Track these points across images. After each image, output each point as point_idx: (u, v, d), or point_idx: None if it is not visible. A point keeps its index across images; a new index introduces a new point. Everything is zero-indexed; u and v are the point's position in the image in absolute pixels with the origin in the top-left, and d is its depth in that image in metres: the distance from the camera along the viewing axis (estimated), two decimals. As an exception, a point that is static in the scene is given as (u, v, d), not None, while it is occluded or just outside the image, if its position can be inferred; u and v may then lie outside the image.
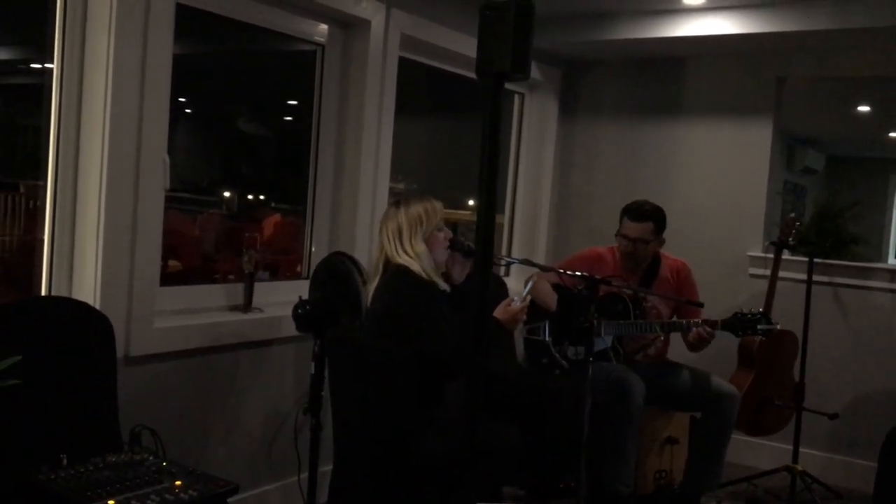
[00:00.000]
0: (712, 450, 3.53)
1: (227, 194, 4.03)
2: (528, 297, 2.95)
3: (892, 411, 4.07)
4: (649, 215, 3.59)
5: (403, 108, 3.93)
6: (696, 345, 3.52)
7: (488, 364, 1.64)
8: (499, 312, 2.85)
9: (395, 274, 2.85)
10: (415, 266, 2.87)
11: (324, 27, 3.62)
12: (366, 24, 3.61)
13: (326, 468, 3.10)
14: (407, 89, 3.98)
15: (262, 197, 4.21)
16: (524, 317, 2.93)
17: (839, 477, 4.23)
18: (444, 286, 2.95)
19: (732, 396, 3.51)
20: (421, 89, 4.81)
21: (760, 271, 4.42)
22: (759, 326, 3.35)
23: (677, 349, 3.71)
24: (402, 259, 2.87)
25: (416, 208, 2.94)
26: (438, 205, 2.99)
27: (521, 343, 3.84)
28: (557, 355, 3.50)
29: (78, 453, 2.31)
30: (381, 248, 2.95)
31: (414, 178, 4.88)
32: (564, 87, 5.07)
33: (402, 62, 3.85)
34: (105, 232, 2.67)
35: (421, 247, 2.91)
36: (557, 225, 5.16)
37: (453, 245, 3.01)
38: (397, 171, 4.12)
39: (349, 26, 3.67)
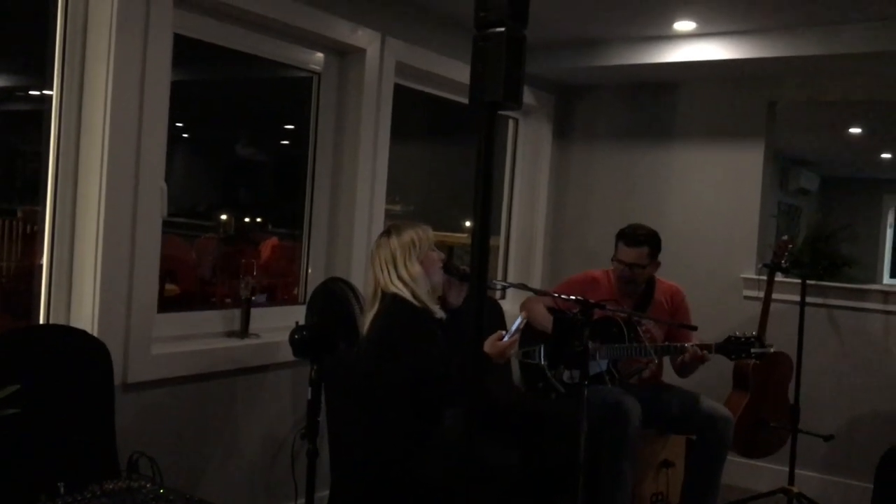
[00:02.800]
0: (708, 472, 3.53)
1: (224, 218, 4.05)
2: (518, 335, 2.93)
3: (887, 432, 4.08)
4: (644, 240, 3.61)
5: (400, 132, 3.97)
6: (685, 369, 3.53)
7: (485, 388, 1.65)
8: (487, 346, 2.80)
9: (390, 303, 2.84)
10: (406, 293, 2.85)
11: (320, 55, 3.67)
12: (361, 52, 3.66)
13: (323, 494, 3.10)
14: (403, 114, 4.02)
15: (259, 220, 4.23)
16: (513, 351, 2.93)
17: (835, 499, 4.24)
18: (439, 313, 2.93)
19: (726, 419, 3.52)
20: (417, 114, 4.85)
21: (754, 293, 4.44)
22: (752, 350, 3.36)
23: (672, 372, 3.72)
24: (396, 287, 2.86)
25: (408, 233, 2.94)
26: (429, 228, 3.02)
27: (516, 366, 3.85)
28: (553, 379, 3.51)
29: (76, 481, 2.32)
30: (374, 279, 2.93)
31: (410, 201, 4.91)
32: (558, 111, 5.12)
33: (398, 88, 3.89)
34: (103, 259, 2.69)
35: (416, 268, 2.90)
36: (552, 248, 5.19)
37: (448, 269, 3.02)
38: (394, 193, 4.15)
39: (345, 54, 3.71)
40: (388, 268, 2.90)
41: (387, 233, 3.00)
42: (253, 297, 3.37)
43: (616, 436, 3.38)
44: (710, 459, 3.53)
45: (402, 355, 2.75)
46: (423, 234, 2.96)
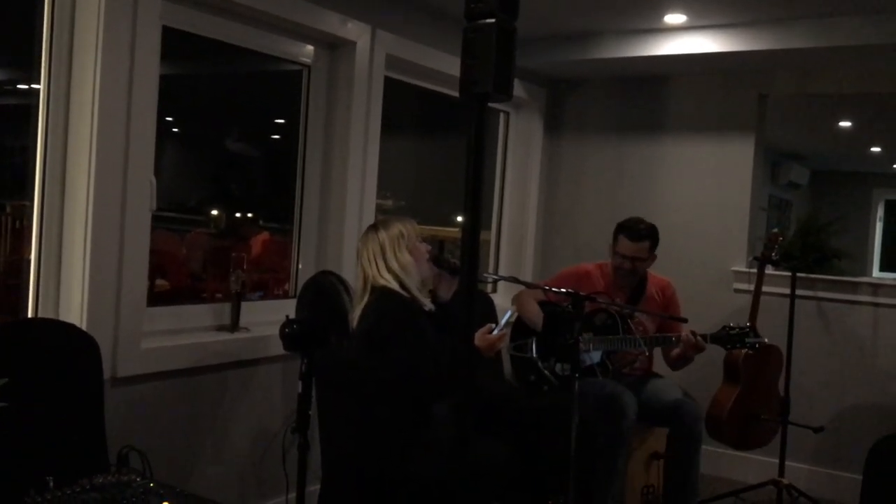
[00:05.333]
0: (683, 463, 3.51)
1: (214, 213, 4.04)
2: (507, 329, 2.93)
3: (876, 424, 4.10)
4: (646, 234, 3.63)
5: (390, 125, 3.96)
6: (680, 362, 3.54)
7: (476, 382, 1.65)
8: (477, 339, 2.81)
9: (379, 296, 2.85)
10: (395, 285, 2.86)
11: (310, 48, 3.65)
12: (351, 45, 3.64)
13: (314, 488, 3.10)
14: (394, 107, 4.01)
15: (249, 215, 4.22)
16: (502, 345, 2.94)
17: (825, 490, 4.26)
18: (428, 305, 2.95)
19: (691, 409, 3.49)
20: (408, 107, 4.84)
21: (745, 286, 4.46)
22: (747, 340, 3.38)
23: (662, 364, 3.73)
24: (385, 279, 2.87)
25: (395, 226, 2.96)
26: (414, 222, 3.04)
27: (508, 360, 3.85)
28: (545, 372, 3.51)
29: (65, 475, 2.30)
30: (363, 273, 2.93)
31: (401, 195, 4.91)
32: (549, 105, 5.11)
33: (388, 81, 3.88)
34: (92, 253, 2.68)
35: (407, 257, 2.92)
36: (544, 241, 5.19)
37: (439, 263, 3.03)
38: (385, 187, 4.15)
39: (335, 47, 3.70)
40: (376, 260, 2.90)
41: (373, 227, 3.01)
42: (245, 293, 3.36)
43: (612, 429, 3.39)
44: (683, 450, 3.51)
45: (392, 348, 2.76)
46: (410, 227, 2.98)
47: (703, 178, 4.71)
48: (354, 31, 3.64)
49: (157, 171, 2.94)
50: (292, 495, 2.91)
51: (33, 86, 2.74)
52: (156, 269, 3.24)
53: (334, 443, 2.96)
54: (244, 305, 3.35)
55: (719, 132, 4.66)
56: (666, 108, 4.83)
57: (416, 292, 2.91)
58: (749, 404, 3.96)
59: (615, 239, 3.68)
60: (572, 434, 2.78)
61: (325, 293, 3.21)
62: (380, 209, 3.97)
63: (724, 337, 3.39)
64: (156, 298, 3.19)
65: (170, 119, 3.32)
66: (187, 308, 3.30)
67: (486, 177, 1.62)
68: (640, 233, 3.63)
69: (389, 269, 2.89)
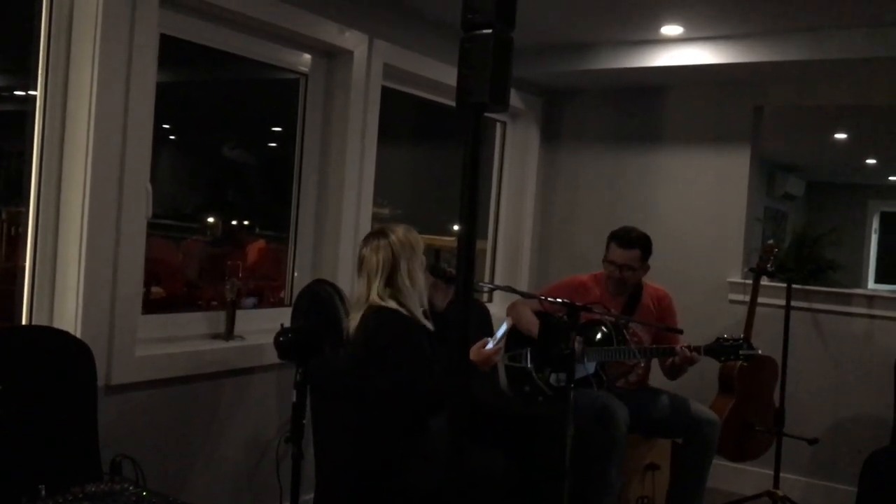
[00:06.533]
0: (694, 476, 3.54)
1: (210, 220, 4.03)
2: (503, 341, 2.90)
3: (871, 435, 4.10)
4: (636, 242, 3.63)
5: (387, 134, 3.96)
6: (675, 371, 3.54)
7: (471, 392, 1.64)
8: (472, 354, 2.75)
9: (378, 309, 2.79)
10: (393, 304, 2.78)
11: (307, 57, 3.66)
12: (349, 54, 3.65)
13: (308, 497, 3.09)
14: (390, 116, 4.01)
15: (246, 223, 4.22)
16: (497, 358, 2.91)
17: (820, 502, 4.26)
18: (428, 326, 2.87)
19: (713, 422, 3.53)
20: (404, 117, 4.85)
21: (740, 297, 4.46)
22: (741, 352, 3.38)
23: (659, 376, 3.73)
24: (388, 301, 2.78)
25: (406, 237, 2.85)
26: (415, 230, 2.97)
27: (502, 370, 3.84)
28: (539, 382, 3.50)
29: (57, 483, 2.29)
30: (367, 283, 2.82)
31: (397, 203, 4.91)
32: (546, 115, 5.13)
33: (385, 91, 3.89)
34: (87, 260, 2.67)
35: (421, 276, 2.84)
36: (540, 251, 5.19)
37: (435, 272, 3.01)
38: (381, 195, 4.15)
39: (332, 56, 3.70)
40: (379, 276, 2.80)
41: (381, 234, 2.88)
42: (243, 299, 3.36)
43: (603, 440, 3.39)
44: (697, 463, 3.53)
45: (388, 359, 2.73)
46: (416, 236, 2.89)
47: (699, 188, 4.71)
48: (352, 40, 3.65)
49: (154, 179, 2.94)
50: (286, 505, 2.90)
51: (30, 92, 2.74)
52: (151, 277, 3.23)
53: (329, 452, 2.95)
54: (239, 314, 3.34)
55: (715, 143, 4.67)
56: (662, 118, 4.84)
57: (416, 311, 2.83)
58: (744, 415, 3.96)
59: (607, 247, 3.69)
60: (567, 444, 2.78)
61: (320, 302, 3.20)
62: (376, 217, 3.97)
63: (718, 349, 3.40)
64: (151, 306, 3.18)
65: (167, 126, 3.32)
66: (182, 316, 3.29)
67: (482, 186, 1.62)
68: (631, 240, 3.63)
69: (390, 285, 2.81)
